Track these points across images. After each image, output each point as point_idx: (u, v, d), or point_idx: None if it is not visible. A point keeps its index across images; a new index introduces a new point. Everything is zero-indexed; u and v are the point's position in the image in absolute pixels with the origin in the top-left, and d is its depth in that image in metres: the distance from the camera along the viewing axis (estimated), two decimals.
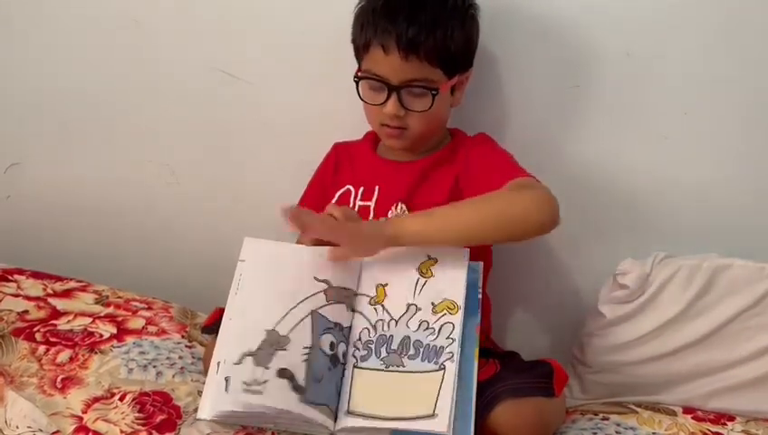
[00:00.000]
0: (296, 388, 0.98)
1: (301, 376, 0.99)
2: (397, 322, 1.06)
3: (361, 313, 1.08)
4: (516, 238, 1.12)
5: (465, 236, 1.07)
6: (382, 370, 1.03)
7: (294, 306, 1.05)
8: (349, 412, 1.00)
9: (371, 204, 1.23)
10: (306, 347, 1.02)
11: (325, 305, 1.06)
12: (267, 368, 0.99)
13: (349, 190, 1.25)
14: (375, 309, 1.07)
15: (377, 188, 1.23)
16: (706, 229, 1.31)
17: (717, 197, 1.30)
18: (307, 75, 1.35)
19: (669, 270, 1.24)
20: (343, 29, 1.25)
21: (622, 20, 1.23)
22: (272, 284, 1.07)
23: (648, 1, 1.22)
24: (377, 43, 1.14)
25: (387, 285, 1.08)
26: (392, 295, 1.07)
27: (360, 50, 1.18)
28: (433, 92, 1.14)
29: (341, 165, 1.28)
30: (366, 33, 1.16)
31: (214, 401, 0.98)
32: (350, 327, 1.06)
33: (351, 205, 1.23)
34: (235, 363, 0.99)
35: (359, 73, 1.18)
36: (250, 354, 1.00)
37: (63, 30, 1.43)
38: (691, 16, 1.21)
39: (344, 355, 1.05)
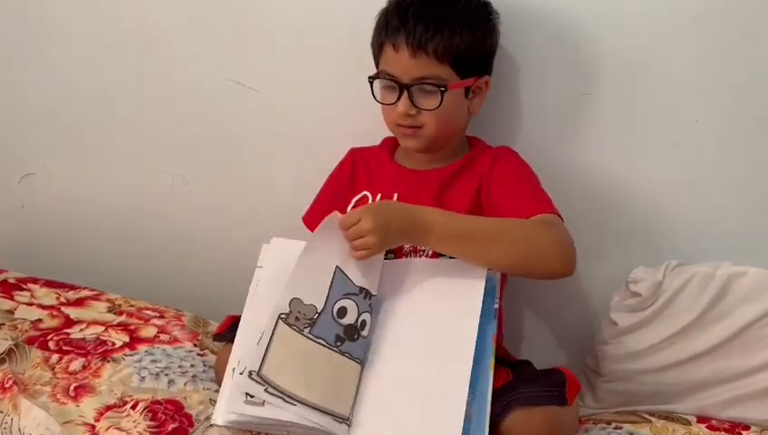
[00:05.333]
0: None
1: None
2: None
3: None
4: (526, 273, 1.14)
5: (484, 250, 1.07)
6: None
7: None
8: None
9: None
10: None
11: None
12: None
13: (366, 196, 1.25)
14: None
15: (395, 195, 1.22)
16: (720, 237, 1.30)
17: (730, 204, 1.28)
18: (320, 84, 1.36)
19: (682, 278, 1.23)
20: (355, 37, 1.25)
21: (633, 27, 1.23)
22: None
23: (659, 8, 1.22)
24: (388, 42, 1.16)
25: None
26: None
27: (376, 51, 1.20)
28: (442, 89, 1.14)
29: (357, 170, 1.28)
30: (380, 34, 1.19)
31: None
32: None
33: None
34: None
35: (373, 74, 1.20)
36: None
37: (77, 42, 1.45)
38: (702, 23, 1.21)
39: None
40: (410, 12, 1.15)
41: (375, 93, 1.20)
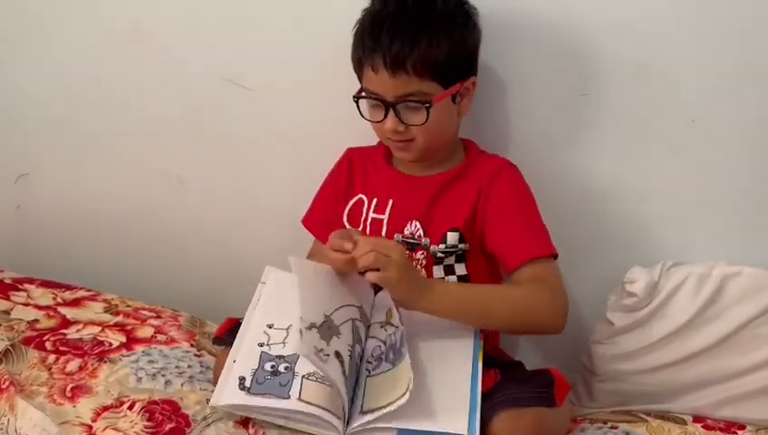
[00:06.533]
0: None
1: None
2: (398, 328, 1.09)
3: (375, 337, 1.12)
4: (525, 333, 1.28)
5: (487, 324, 1.13)
6: (390, 369, 1.05)
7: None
8: (362, 412, 1.02)
9: (384, 217, 1.22)
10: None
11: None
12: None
13: (361, 200, 1.25)
14: (384, 329, 1.12)
15: (390, 201, 1.22)
16: (716, 236, 1.30)
17: (726, 204, 1.29)
18: (317, 84, 1.36)
19: (678, 278, 1.24)
20: (350, 36, 1.25)
21: (629, 28, 1.23)
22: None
23: (656, 9, 1.22)
24: (367, 63, 1.14)
25: (391, 308, 1.13)
26: (395, 313, 1.12)
27: (356, 69, 1.18)
28: (426, 105, 1.13)
29: (355, 172, 1.28)
30: (357, 52, 1.17)
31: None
32: (364, 349, 1.10)
33: (364, 216, 1.23)
34: (308, 328, 1.02)
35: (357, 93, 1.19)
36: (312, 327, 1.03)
37: (74, 42, 1.45)
38: (698, 24, 1.21)
39: (358, 371, 1.08)
40: (384, 29, 1.12)
41: (361, 109, 1.19)
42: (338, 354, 1.03)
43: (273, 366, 1.06)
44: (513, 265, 1.14)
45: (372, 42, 1.13)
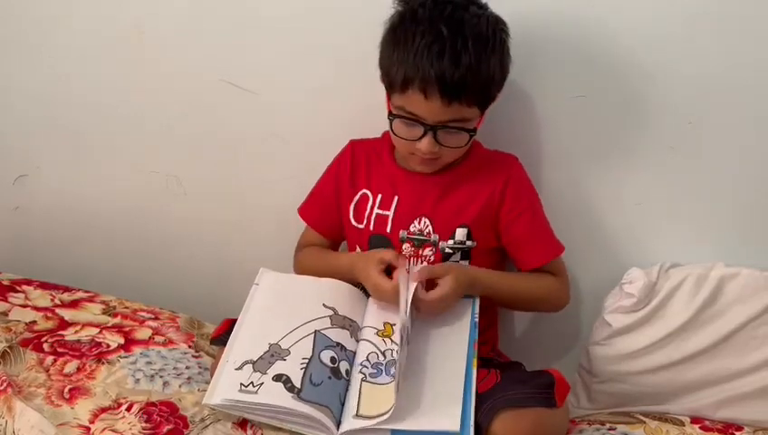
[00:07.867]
0: (291, 388, 1.04)
1: (297, 380, 1.05)
2: (401, 346, 1.10)
3: (368, 340, 1.14)
4: (542, 311, 1.36)
5: (510, 305, 1.31)
6: (390, 383, 1.07)
7: (300, 326, 1.12)
8: (357, 416, 1.03)
9: (390, 214, 1.23)
10: (305, 358, 1.08)
11: (329, 328, 1.13)
12: (264, 374, 1.06)
13: (366, 196, 1.25)
14: (383, 340, 1.13)
15: (396, 198, 1.22)
16: (714, 238, 1.30)
17: (725, 205, 1.29)
18: (315, 86, 1.35)
19: (676, 279, 1.24)
20: (351, 38, 1.25)
21: (627, 28, 1.23)
22: (281, 305, 1.16)
23: (653, 10, 1.22)
24: (417, 87, 1.09)
25: (394, 324, 1.15)
26: (397, 330, 1.14)
27: (395, 86, 1.12)
28: (471, 133, 1.14)
29: (358, 166, 1.27)
30: (404, 71, 1.10)
31: (221, 390, 1.04)
32: (355, 352, 1.12)
33: (369, 212, 1.24)
34: (236, 369, 1.06)
35: (392, 111, 1.14)
36: (250, 362, 1.07)
37: (72, 43, 1.44)
38: (695, 25, 1.21)
39: (347, 372, 1.09)
40: (443, 55, 1.07)
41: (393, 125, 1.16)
42: (278, 377, 1.04)
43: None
44: (530, 266, 1.23)
45: (430, 67, 1.07)
